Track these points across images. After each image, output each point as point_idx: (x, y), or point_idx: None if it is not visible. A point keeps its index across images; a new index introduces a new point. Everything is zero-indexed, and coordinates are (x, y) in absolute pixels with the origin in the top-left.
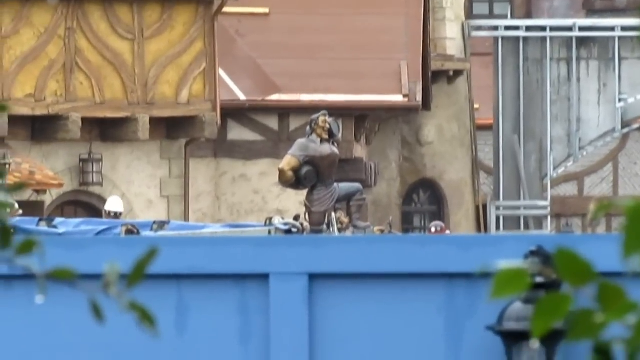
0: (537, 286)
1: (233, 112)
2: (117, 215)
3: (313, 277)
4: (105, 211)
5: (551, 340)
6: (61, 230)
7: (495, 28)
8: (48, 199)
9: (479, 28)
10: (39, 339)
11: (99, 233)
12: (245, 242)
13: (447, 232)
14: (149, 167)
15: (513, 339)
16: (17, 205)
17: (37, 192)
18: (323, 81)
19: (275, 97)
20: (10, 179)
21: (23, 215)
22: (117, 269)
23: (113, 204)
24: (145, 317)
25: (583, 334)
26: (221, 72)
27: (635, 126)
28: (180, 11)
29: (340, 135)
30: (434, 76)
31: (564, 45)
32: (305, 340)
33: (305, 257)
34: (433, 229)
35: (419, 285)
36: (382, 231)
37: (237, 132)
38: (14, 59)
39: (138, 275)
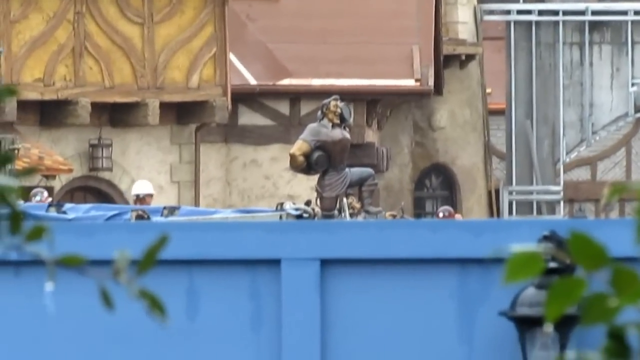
0: (551, 271)
1: (244, 97)
2: (140, 198)
3: (325, 263)
4: (134, 196)
5: (565, 325)
6: (71, 216)
7: (508, 12)
8: (57, 184)
9: (491, 12)
10: (48, 326)
11: (108, 219)
12: (256, 228)
13: (458, 216)
14: (159, 152)
15: (526, 324)
16: (46, 193)
17: (47, 177)
18: (334, 66)
19: (286, 81)
20: (19, 164)
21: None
22: (127, 256)
23: (140, 186)
24: (155, 305)
25: (597, 318)
26: (232, 57)
27: None
28: None
29: (351, 120)
30: (446, 60)
31: (577, 29)
32: (316, 326)
33: (317, 243)
34: (441, 214)
35: (431, 271)
36: (394, 216)
37: (248, 117)
38: (23, 44)
39: (149, 261)
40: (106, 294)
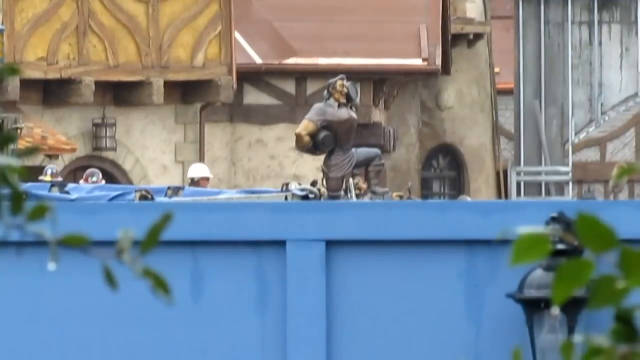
0: (558, 253)
1: (249, 76)
2: (195, 182)
3: (330, 244)
4: (189, 179)
5: (572, 307)
6: (74, 195)
7: None
8: (60, 164)
9: None
10: (51, 306)
11: (112, 199)
12: (261, 208)
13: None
14: (163, 131)
15: (534, 306)
16: (100, 174)
17: (49, 157)
18: (341, 44)
19: (292, 60)
20: (21, 144)
21: (32, 181)
22: (130, 235)
23: (196, 169)
24: (159, 284)
25: (605, 301)
26: (237, 35)
27: None
28: None
29: (358, 100)
30: (454, 40)
31: (586, 8)
32: (322, 307)
33: (323, 224)
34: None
35: (438, 252)
36: (400, 197)
37: (254, 96)
38: (26, 22)
39: (152, 241)
40: (110, 274)
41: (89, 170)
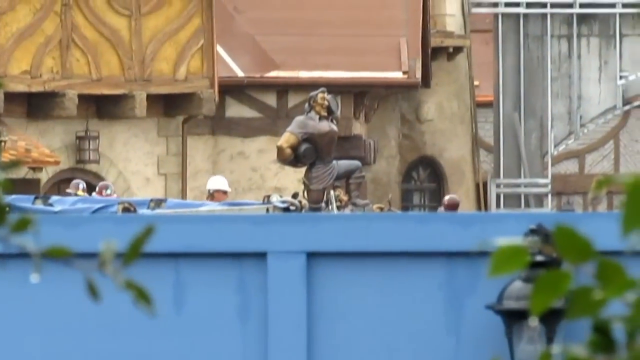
0: (537, 264)
1: (231, 89)
2: (210, 194)
3: (311, 256)
4: (207, 191)
5: (551, 318)
6: (57, 208)
7: (495, 4)
8: (44, 176)
9: (479, 4)
10: (34, 318)
11: (95, 211)
12: (243, 220)
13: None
14: (146, 144)
15: (513, 318)
16: (113, 187)
17: (33, 169)
18: (322, 58)
19: (273, 73)
20: (5, 157)
21: (18, 193)
22: (113, 247)
23: (212, 182)
24: (142, 296)
25: (582, 311)
26: (219, 49)
27: (637, 103)
28: None
29: (339, 112)
30: (434, 53)
31: (565, 21)
32: (303, 318)
33: (304, 235)
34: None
35: (418, 264)
36: (381, 209)
37: (235, 109)
38: (10, 36)
39: (134, 253)
40: (92, 286)
41: (101, 183)
